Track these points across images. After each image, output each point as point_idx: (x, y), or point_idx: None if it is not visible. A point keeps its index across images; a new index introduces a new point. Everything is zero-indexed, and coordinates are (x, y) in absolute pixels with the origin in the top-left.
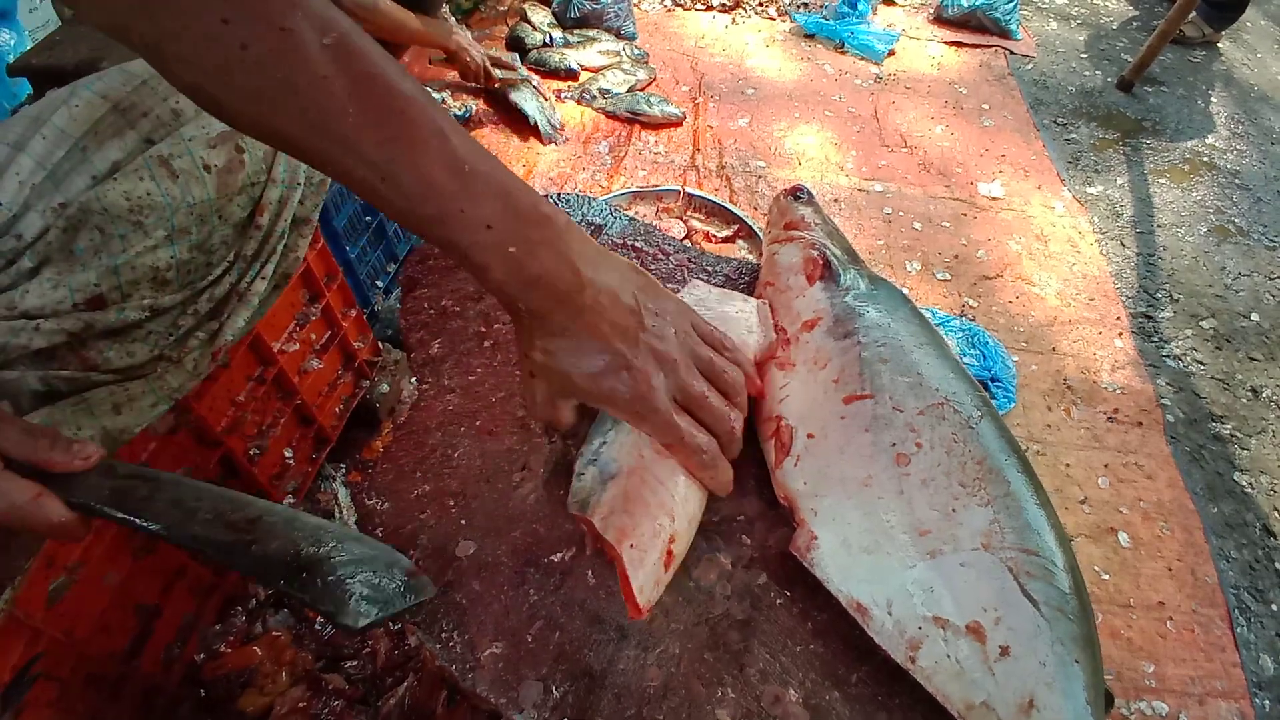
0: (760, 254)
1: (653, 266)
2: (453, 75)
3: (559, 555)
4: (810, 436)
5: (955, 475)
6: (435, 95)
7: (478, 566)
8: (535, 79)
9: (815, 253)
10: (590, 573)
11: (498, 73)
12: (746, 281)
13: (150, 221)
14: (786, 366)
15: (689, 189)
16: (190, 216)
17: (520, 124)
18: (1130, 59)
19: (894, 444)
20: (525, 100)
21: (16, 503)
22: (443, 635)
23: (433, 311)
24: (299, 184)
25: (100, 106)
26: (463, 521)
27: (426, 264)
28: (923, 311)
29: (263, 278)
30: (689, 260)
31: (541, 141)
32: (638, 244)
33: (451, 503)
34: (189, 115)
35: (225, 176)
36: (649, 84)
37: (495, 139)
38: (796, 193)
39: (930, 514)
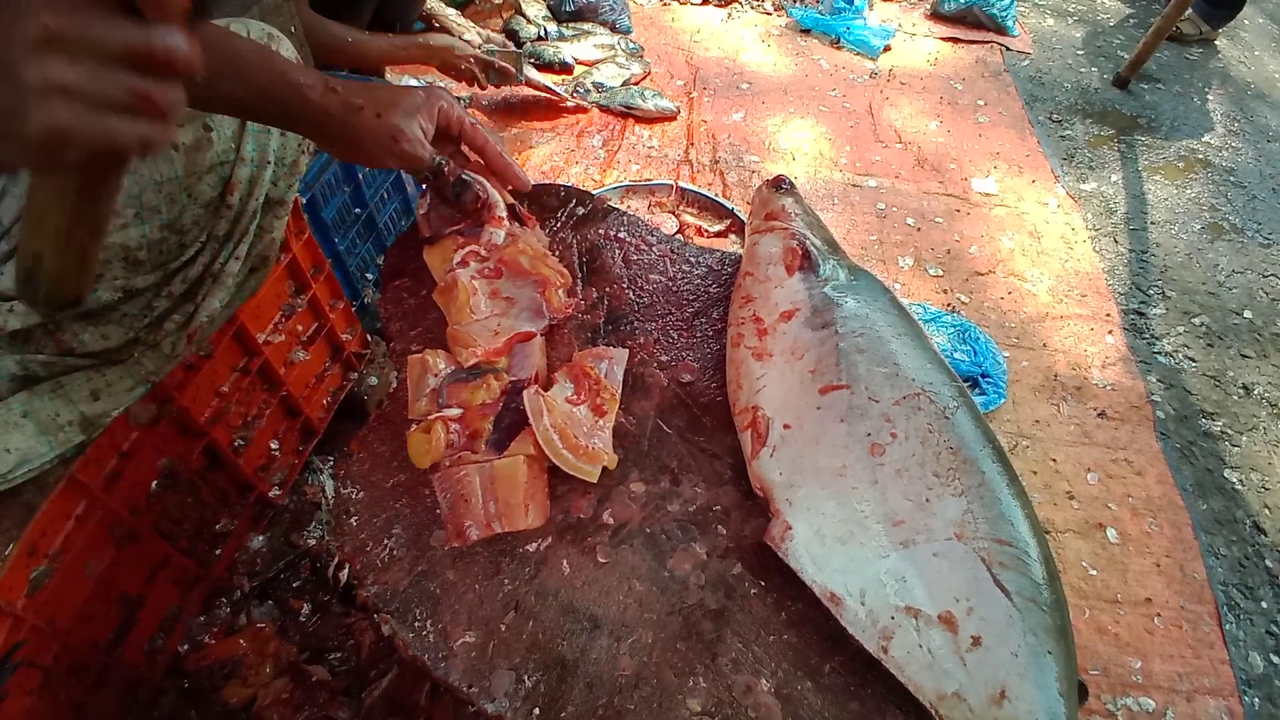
0: None
1: (635, 257)
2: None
3: (534, 545)
4: (787, 427)
5: (930, 465)
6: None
7: (452, 556)
8: (533, 73)
9: (795, 243)
10: (565, 562)
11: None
12: (729, 273)
13: (119, 199)
14: (764, 357)
15: (681, 184)
16: (159, 194)
17: (512, 117)
18: (1127, 56)
19: (869, 434)
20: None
21: None
22: (415, 624)
23: (412, 302)
24: (269, 163)
25: None
26: (438, 511)
27: (409, 252)
28: (906, 304)
29: (236, 258)
30: (672, 251)
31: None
32: (622, 235)
33: (427, 492)
34: None
35: (193, 154)
36: (643, 78)
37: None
38: (778, 183)
39: (904, 504)
